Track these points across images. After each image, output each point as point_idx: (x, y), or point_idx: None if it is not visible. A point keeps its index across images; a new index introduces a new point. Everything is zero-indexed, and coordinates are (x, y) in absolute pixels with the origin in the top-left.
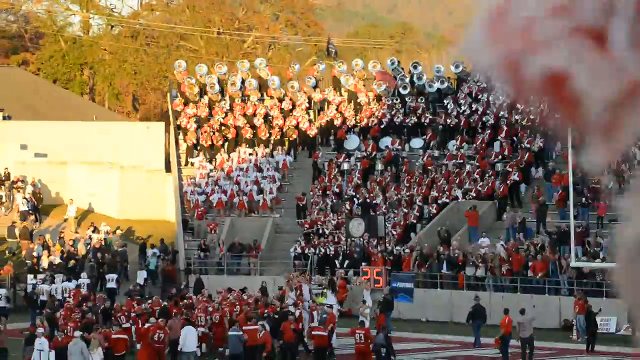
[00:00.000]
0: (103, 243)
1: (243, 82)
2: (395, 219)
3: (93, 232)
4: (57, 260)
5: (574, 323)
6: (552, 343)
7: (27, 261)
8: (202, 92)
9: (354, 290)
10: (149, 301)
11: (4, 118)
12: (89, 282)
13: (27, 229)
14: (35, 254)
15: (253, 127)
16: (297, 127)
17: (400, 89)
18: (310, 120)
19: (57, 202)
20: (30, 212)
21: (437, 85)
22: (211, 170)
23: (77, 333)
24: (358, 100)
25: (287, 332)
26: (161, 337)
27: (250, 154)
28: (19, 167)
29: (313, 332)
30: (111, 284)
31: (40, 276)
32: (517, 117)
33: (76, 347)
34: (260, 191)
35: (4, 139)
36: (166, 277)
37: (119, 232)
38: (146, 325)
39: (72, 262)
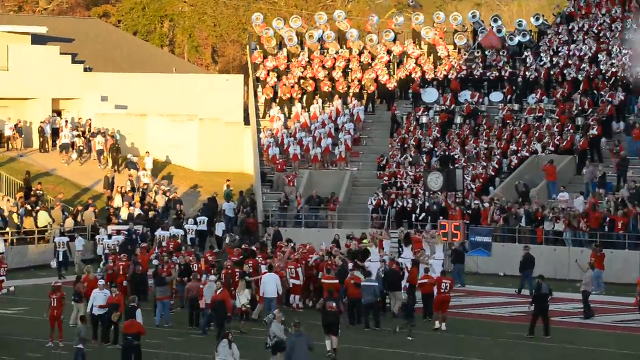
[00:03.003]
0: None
1: (322, 34)
2: (474, 172)
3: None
4: (137, 212)
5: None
6: (631, 298)
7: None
8: (281, 44)
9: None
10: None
11: (85, 70)
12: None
13: (107, 179)
14: (114, 204)
15: (332, 80)
16: (376, 80)
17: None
18: (389, 74)
19: (136, 153)
20: (129, 167)
21: (518, 38)
22: (285, 122)
23: (212, 277)
24: (438, 54)
25: (350, 288)
26: None
27: (326, 107)
28: (100, 119)
29: (420, 281)
30: (202, 227)
31: (124, 227)
32: (600, 68)
33: (210, 289)
34: (336, 144)
35: (85, 91)
36: (245, 229)
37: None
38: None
39: (152, 213)
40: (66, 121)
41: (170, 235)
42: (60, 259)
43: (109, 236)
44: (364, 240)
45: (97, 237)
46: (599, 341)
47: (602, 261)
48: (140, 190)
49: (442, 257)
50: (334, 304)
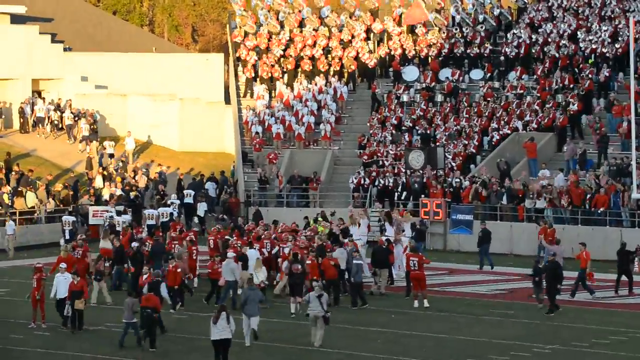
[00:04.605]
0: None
1: (300, 12)
2: (455, 150)
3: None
4: (118, 192)
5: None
6: (612, 275)
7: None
8: (259, 24)
9: (397, 222)
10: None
11: (64, 50)
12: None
13: (90, 160)
14: (95, 185)
15: (312, 58)
16: (356, 58)
17: (458, 19)
18: (369, 51)
19: (117, 134)
20: (91, 138)
21: (497, 11)
22: (270, 101)
23: (231, 254)
24: (416, 31)
25: (329, 269)
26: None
27: (308, 85)
28: (80, 99)
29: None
30: (188, 199)
31: (105, 208)
32: (580, 46)
33: (228, 267)
34: (319, 123)
35: (65, 71)
36: (227, 208)
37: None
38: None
39: (134, 193)
40: (43, 98)
41: (158, 214)
42: (67, 237)
43: (118, 213)
44: (319, 218)
45: (105, 215)
46: (578, 317)
47: (553, 236)
48: (111, 161)
49: (410, 235)
50: (299, 266)
